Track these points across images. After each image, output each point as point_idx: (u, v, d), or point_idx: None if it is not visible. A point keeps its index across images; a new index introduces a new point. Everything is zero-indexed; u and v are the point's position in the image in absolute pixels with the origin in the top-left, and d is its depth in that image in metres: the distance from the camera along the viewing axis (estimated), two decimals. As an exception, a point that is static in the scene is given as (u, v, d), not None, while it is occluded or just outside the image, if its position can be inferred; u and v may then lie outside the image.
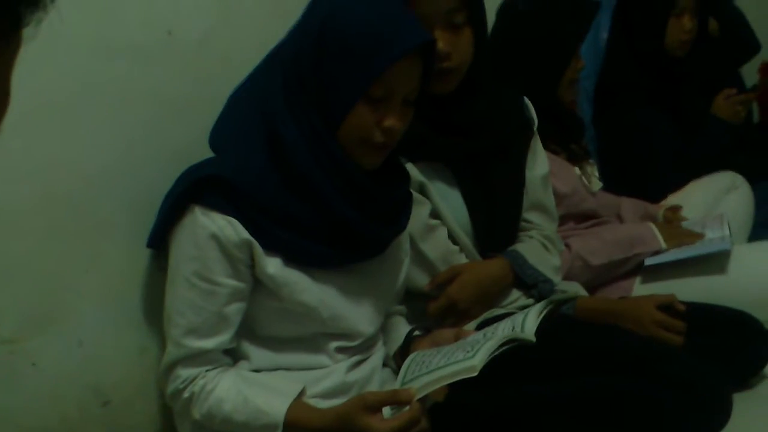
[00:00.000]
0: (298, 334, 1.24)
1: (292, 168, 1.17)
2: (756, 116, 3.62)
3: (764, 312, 1.77)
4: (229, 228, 1.15)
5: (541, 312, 1.19)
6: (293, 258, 1.19)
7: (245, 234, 1.15)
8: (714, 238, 1.92)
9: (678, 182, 2.38)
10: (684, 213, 2.15)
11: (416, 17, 1.23)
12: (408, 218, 1.33)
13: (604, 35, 2.81)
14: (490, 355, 1.06)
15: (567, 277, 1.78)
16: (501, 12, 1.96)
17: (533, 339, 1.14)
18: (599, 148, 2.63)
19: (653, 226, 1.96)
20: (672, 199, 2.28)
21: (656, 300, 1.61)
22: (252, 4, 1.50)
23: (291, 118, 1.17)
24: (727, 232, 1.93)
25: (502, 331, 1.16)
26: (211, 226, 1.15)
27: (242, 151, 1.19)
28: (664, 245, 1.90)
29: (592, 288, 1.86)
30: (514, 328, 1.16)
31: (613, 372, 1.28)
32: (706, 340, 1.59)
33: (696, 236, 1.95)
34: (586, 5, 2.00)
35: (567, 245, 1.85)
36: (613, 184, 2.52)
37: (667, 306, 1.61)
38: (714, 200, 2.24)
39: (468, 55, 1.47)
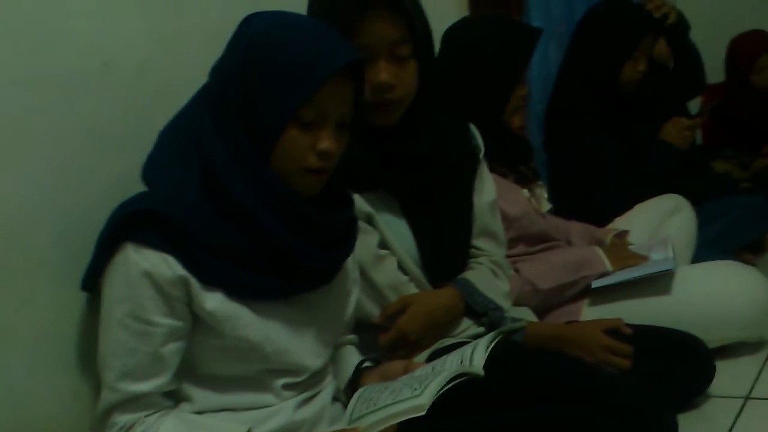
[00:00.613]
0: (242, 372, 1.20)
1: (227, 198, 1.14)
2: (699, 138, 3.71)
3: (708, 332, 1.80)
4: (163, 265, 1.11)
5: (489, 344, 1.17)
6: (234, 291, 1.16)
7: (180, 270, 1.12)
8: (658, 259, 1.95)
9: (625, 206, 2.41)
10: (630, 235, 2.17)
11: (345, 39, 1.21)
12: (353, 244, 1.31)
13: (552, 60, 2.86)
14: (438, 392, 1.05)
15: (517, 302, 1.79)
16: (445, 38, 1.97)
17: (481, 373, 1.13)
18: (549, 172, 2.66)
19: (599, 249, 1.98)
20: (618, 222, 2.31)
21: (603, 324, 1.63)
22: (190, 33, 1.48)
23: (222, 147, 1.14)
24: (671, 254, 1.95)
25: (450, 366, 1.15)
26: (144, 264, 1.11)
27: (175, 183, 1.16)
28: (609, 267, 1.92)
29: (541, 312, 1.86)
30: (462, 361, 1.15)
31: (559, 400, 1.27)
32: (653, 362, 1.62)
33: (640, 258, 1.97)
34: (529, 32, 2.02)
35: (516, 270, 1.85)
36: (563, 207, 2.55)
37: (614, 330, 1.63)
38: (658, 222, 2.28)
39: (412, 88, 1.47)
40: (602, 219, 2.37)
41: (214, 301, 1.14)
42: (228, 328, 1.15)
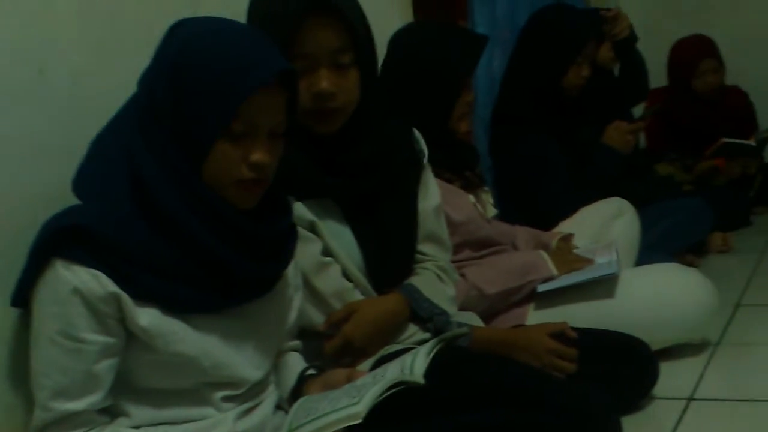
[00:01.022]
0: (180, 386, 1.18)
1: (158, 211, 1.12)
2: (643, 142, 3.77)
3: (652, 334, 1.83)
4: (94, 281, 1.08)
5: (430, 352, 1.17)
6: (169, 306, 1.13)
7: (112, 287, 1.09)
8: (602, 263, 1.97)
9: (570, 209, 2.44)
10: (574, 239, 2.20)
11: (275, 46, 1.19)
12: (292, 253, 1.29)
13: (497, 65, 2.88)
14: (375, 401, 1.04)
15: (463, 307, 1.79)
16: (391, 44, 1.97)
17: (422, 381, 1.12)
18: (495, 176, 2.68)
19: (544, 254, 2.00)
20: (563, 226, 2.33)
21: (548, 328, 1.65)
22: (126, 41, 1.45)
23: (152, 159, 1.12)
24: (615, 257, 1.98)
25: (391, 374, 1.14)
26: (74, 281, 1.08)
27: (106, 196, 1.13)
28: (555, 272, 1.94)
29: (487, 316, 1.87)
30: (403, 370, 1.14)
31: (504, 405, 1.28)
32: (597, 365, 1.65)
33: (585, 261, 1.99)
34: (474, 38, 2.03)
35: (462, 275, 1.86)
36: (509, 211, 2.58)
37: (559, 333, 1.64)
38: (602, 226, 2.31)
39: (354, 96, 1.46)
40: (548, 223, 2.40)
41: (147, 317, 1.12)
42: (161, 344, 1.13)
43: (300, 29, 1.39)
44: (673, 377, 1.82)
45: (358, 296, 1.52)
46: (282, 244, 1.27)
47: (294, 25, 1.39)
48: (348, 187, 1.51)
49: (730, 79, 3.75)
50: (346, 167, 1.50)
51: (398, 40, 1.99)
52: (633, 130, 2.79)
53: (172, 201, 1.12)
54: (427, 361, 1.14)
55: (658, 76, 3.73)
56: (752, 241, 3.22)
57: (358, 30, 1.44)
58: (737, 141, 3.47)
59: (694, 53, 3.62)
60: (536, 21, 2.65)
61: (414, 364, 1.14)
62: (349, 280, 1.52)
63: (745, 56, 3.94)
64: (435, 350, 1.18)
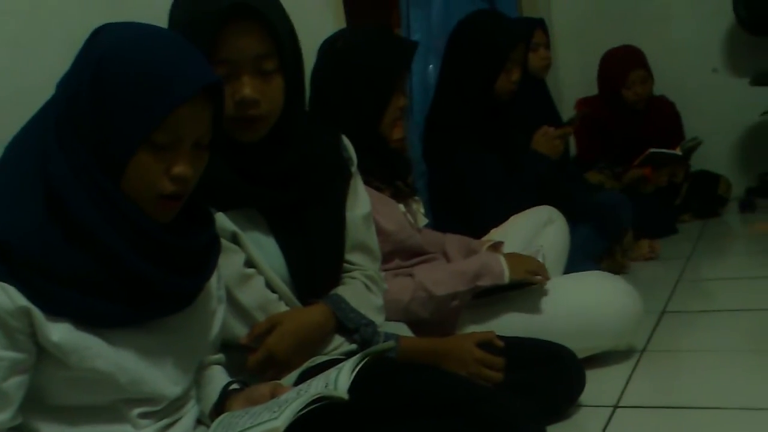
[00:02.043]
0: (95, 403, 1.13)
1: (74, 222, 1.07)
2: (574, 150, 3.84)
3: (579, 342, 1.85)
4: (2, 295, 1.03)
5: (354, 367, 1.15)
6: (83, 320, 1.09)
7: (22, 301, 1.04)
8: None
9: (501, 215, 2.45)
10: (505, 246, 2.20)
11: (201, 56, 1.16)
12: (214, 265, 1.26)
13: (432, 72, 2.89)
14: (295, 415, 1.02)
15: (409, 309, 1.79)
16: (321, 50, 1.95)
17: (345, 396, 1.10)
18: (429, 183, 2.69)
19: (502, 258, 1.95)
20: (493, 234, 2.34)
21: (476, 338, 1.64)
22: (46, 39, 1.41)
23: (68, 168, 1.08)
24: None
25: (314, 389, 1.12)
26: None
27: (17, 206, 1.08)
28: (507, 279, 1.91)
29: (416, 325, 1.85)
30: (327, 384, 1.12)
31: (430, 415, 1.27)
32: (524, 373, 1.65)
33: (538, 264, 1.97)
34: (403, 44, 2.02)
35: (410, 275, 1.84)
36: (442, 218, 2.58)
37: (487, 342, 1.64)
38: (533, 234, 2.32)
39: (278, 104, 1.44)
40: (482, 229, 2.41)
41: (60, 332, 1.07)
42: (75, 360, 1.08)
43: (221, 35, 1.36)
44: (599, 384, 1.84)
45: (282, 308, 1.49)
46: (203, 257, 1.23)
47: (215, 30, 1.36)
48: (272, 197, 1.48)
49: (657, 90, 3.84)
50: (270, 176, 1.47)
51: (328, 45, 1.97)
52: (561, 135, 2.83)
53: (89, 212, 1.07)
54: (352, 376, 1.12)
55: (588, 85, 3.80)
56: (678, 249, 3.29)
57: (283, 36, 1.42)
58: (663, 151, 3.56)
59: (624, 64, 3.69)
60: (464, 27, 2.66)
61: (338, 379, 1.12)
62: (274, 291, 1.49)
63: (673, 67, 4.05)
64: (360, 365, 1.16)
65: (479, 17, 2.69)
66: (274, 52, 1.40)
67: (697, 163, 3.96)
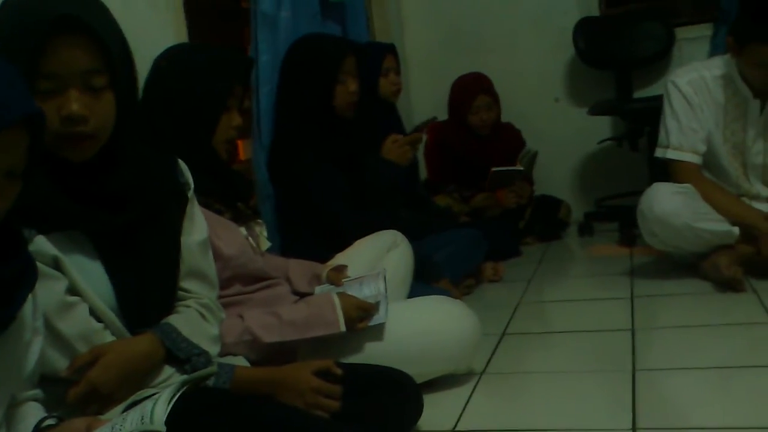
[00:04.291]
0: None
1: None
2: (424, 174, 3.91)
3: (417, 366, 1.86)
4: None
5: (172, 396, 1.10)
6: None
7: None
8: (369, 295, 1.98)
9: (354, 229, 2.45)
10: (349, 270, 2.20)
11: (17, 84, 1.07)
12: (26, 296, 1.17)
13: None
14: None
15: (229, 352, 1.72)
16: (151, 69, 1.88)
17: (162, 429, 1.05)
18: (277, 204, 2.65)
19: (337, 303, 1.88)
20: (338, 258, 2.33)
21: (313, 366, 1.61)
22: None
23: None
24: (383, 288, 1.99)
25: (130, 424, 1.06)
26: None
27: None
28: (342, 327, 1.85)
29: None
30: (143, 417, 1.06)
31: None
32: (362, 400, 1.63)
33: (370, 307, 1.93)
34: (234, 61, 1.96)
35: (240, 316, 1.79)
36: (291, 239, 2.55)
37: (324, 371, 1.62)
38: (377, 258, 2.33)
39: (108, 121, 1.37)
40: (337, 246, 2.40)
41: None
42: None
43: (48, 47, 1.29)
44: (437, 408, 1.86)
45: (108, 338, 1.41)
46: (14, 286, 1.14)
47: (39, 43, 1.28)
48: (101, 219, 1.40)
49: (504, 117, 3.98)
50: (98, 197, 1.40)
51: (157, 63, 1.91)
52: (410, 141, 2.88)
53: None
54: (168, 407, 1.07)
55: (439, 111, 3.89)
56: (521, 271, 3.40)
57: (113, 51, 1.35)
58: (505, 168, 3.68)
59: (470, 90, 3.81)
60: (295, 48, 2.71)
61: (154, 411, 1.06)
62: (99, 320, 1.41)
63: (518, 95, 4.21)
64: (178, 394, 1.11)
65: (309, 36, 2.76)
66: (103, 67, 1.34)
67: (540, 188, 4.13)
